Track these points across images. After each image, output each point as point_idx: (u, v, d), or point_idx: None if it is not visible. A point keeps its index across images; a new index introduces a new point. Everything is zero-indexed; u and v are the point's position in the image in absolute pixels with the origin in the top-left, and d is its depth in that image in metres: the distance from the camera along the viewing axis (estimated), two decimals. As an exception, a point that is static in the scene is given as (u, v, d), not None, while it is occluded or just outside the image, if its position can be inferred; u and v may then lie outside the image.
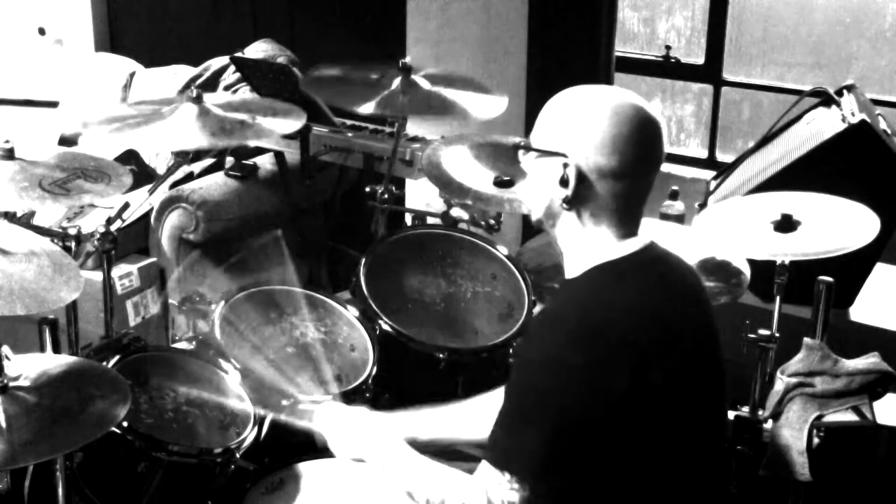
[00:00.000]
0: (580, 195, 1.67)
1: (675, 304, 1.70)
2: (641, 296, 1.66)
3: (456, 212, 2.80)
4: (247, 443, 2.13)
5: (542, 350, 1.63)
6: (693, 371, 1.69)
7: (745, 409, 2.50)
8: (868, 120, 3.04)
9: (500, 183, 2.62)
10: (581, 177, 1.66)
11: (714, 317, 1.79)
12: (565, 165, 1.66)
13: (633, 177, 1.67)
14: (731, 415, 2.49)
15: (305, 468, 2.14)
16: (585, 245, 1.71)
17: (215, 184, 3.62)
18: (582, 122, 1.66)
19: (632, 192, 1.68)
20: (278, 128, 2.49)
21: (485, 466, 1.64)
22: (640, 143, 1.66)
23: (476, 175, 2.70)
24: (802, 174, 3.01)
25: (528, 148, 1.73)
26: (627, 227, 1.70)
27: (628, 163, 1.65)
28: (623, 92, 1.71)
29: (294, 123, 2.50)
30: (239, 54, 3.83)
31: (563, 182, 1.67)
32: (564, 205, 1.68)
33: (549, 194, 1.70)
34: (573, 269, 1.72)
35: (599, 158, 1.65)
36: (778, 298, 2.47)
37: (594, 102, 1.68)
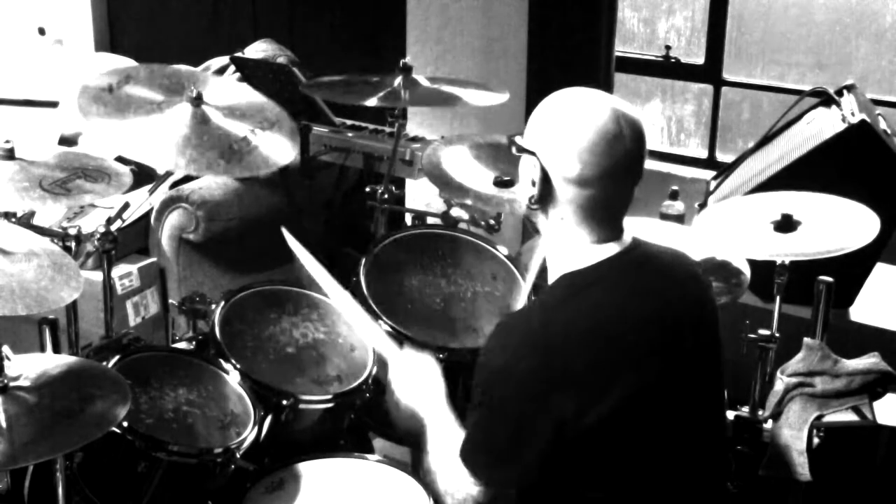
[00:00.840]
0: (546, 197, 1.68)
1: (655, 306, 1.68)
2: (604, 307, 1.66)
3: (456, 212, 2.80)
4: (247, 443, 2.13)
5: (494, 357, 1.67)
6: (682, 370, 1.69)
7: (745, 409, 2.50)
8: (868, 120, 3.04)
9: (500, 183, 2.62)
10: (546, 179, 1.67)
11: (713, 314, 1.79)
12: (534, 166, 1.68)
13: (597, 187, 1.65)
14: (731, 415, 2.49)
15: (305, 468, 2.14)
16: (561, 247, 1.72)
17: (215, 184, 3.62)
18: (553, 126, 1.67)
19: (601, 202, 1.67)
20: (275, 155, 2.36)
21: (456, 459, 1.70)
22: (607, 155, 1.64)
23: (476, 175, 2.70)
24: (802, 174, 3.01)
25: (517, 144, 1.75)
26: (602, 233, 1.69)
27: (589, 173, 1.64)
28: (608, 100, 1.69)
29: (290, 152, 2.41)
30: (239, 54, 3.83)
31: (532, 182, 1.68)
32: (533, 205, 1.69)
33: (527, 192, 1.72)
34: (550, 274, 1.74)
35: (562, 164, 1.65)
36: (778, 298, 2.47)
37: (571, 108, 1.68)
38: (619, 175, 1.66)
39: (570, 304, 1.65)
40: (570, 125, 1.65)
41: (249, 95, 2.54)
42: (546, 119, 1.69)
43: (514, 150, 1.75)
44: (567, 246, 1.70)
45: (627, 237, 1.72)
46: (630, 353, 1.63)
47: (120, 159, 2.47)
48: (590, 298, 1.66)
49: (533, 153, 1.68)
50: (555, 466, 1.61)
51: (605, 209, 1.68)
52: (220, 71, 4.06)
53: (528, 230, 1.83)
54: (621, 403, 1.60)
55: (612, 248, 1.69)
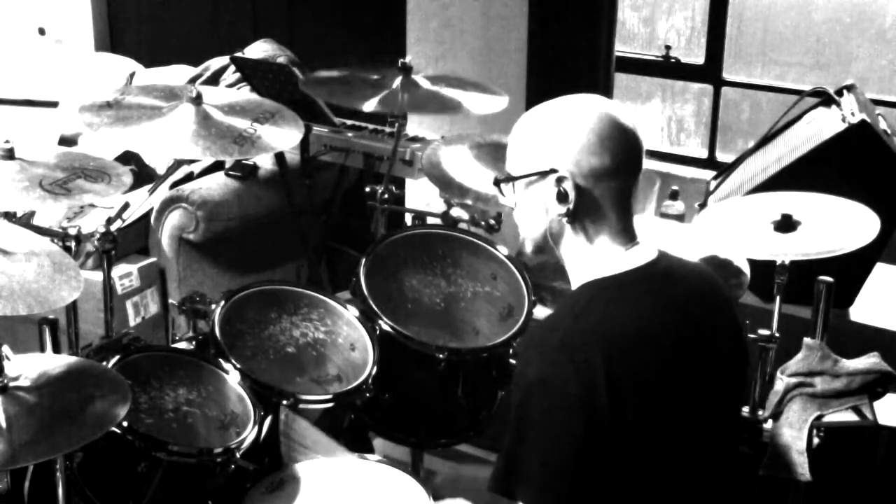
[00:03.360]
0: (581, 205, 1.64)
1: (680, 318, 1.66)
2: (634, 314, 1.63)
3: (456, 212, 2.80)
4: (247, 443, 2.13)
5: (528, 370, 1.60)
6: (703, 383, 1.67)
7: (745, 409, 2.50)
8: (868, 120, 3.04)
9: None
10: (578, 186, 1.63)
11: (738, 329, 1.77)
12: (559, 180, 1.63)
13: (625, 172, 1.65)
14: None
15: (305, 468, 2.14)
16: (591, 258, 1.68)
17: (215, 184, 3.62)
18: (563, 132, 1.64)
19: (625, 191, 1.66)
20: (278, 141, 2.48)
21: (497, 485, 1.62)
22: (624, 136, 1.64)
23: (476, 175, 2.70)
24: (802, 174, 3.01)
25: (511, 178, 1.70)
26: (626, 232, 1.67)
27: (619, 158, 1.63)
28: (584, 96, 1.69)
29: (296, 135, 2.50)
30: (239, 54, 3.83)
31: (562, 197, 1.64)
32: (567, 219, 1.65)
33: (548, 216, 1.67)
34: (575, 280, 1.70)
35: (592, 160, 1.62)
36: (778, 298, 2.47)
37: (565, 111, 1.66)
38: (636, 159, 1.67)
39: (598, 310, 1.62)
40: (580, 122, 1.63)
41: (245, 94, 2.61)
42: (551, 129, 1.66)
43: (508, 186, 1.71)
44: (596, 253, 1.67)
45: (653, 249, 1.70)
46: (656, 362, 1.61)
47: (120, 159, 2.48)
48: (619, 305, 1.63)
49: (549, 171, 1.64)
50: (591, 482, 1.58)
51: (628, 200, 1.67)
52: (221, 71, 4.06)
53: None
54: (651, 412, 1.59)
55: (639, 258, 1.67)
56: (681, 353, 1.64)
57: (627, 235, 1.68)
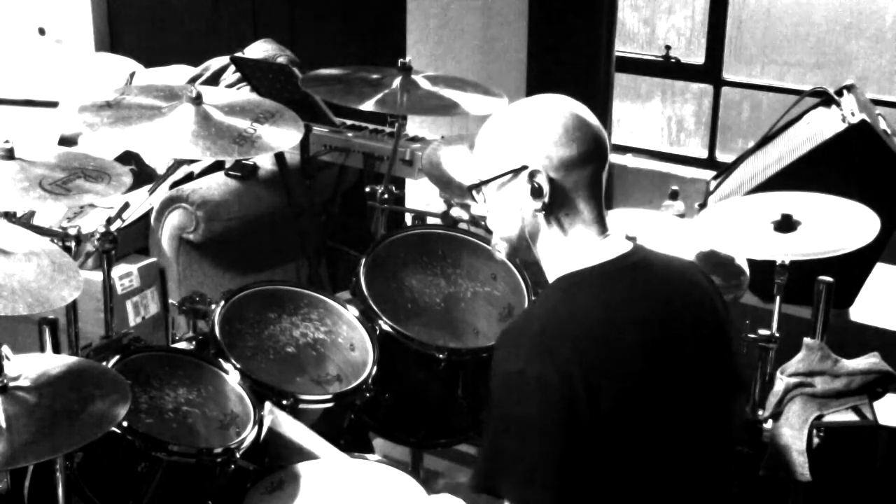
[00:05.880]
0: (555, 198, 1.67)
1: (655, 309, 1.66)
2: (609, 305, 1.64)
3: (456, 212, 2.80)
4: (247, 443, 2.13)
5: (503, 365, 1.61)
6: (683, 374, 1.67)
7: (746, 410, 2.50)
8: (868, 120, 3.04)
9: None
10: (551, 179, 1.66)
11: (720, 320, 1.76)
12: (532, 175, 1.66)
13: (592, 161, 1.67)
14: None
15: (305, 468, 2.14)
16: (566, 251, 1.69)
17: (215, 184, 3.62)
18: (530, 129, 1.67)
19: (595, 180, 1.69)
20: (278, 141, 2.48)
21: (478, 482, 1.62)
22: (586, 127, 1.68)
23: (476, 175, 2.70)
24: (802, 174, 3.01)
25: (484, 182, 1.72)
26: (598, 222, 1.69)
27: (585, 147, 1.66)
28: (541, 95, 1.74)
29: (296, 135, 2.50)
30: (239, 54, 3.84)
31: (536, 192, 1.66)
32: (541, 213, 1.67)
33: (522, 214, 1.69)
34: (550, 274, 1.72)
35: (561, 151, 1.65)
36: (778, 298, 2.47)
37: (528, 110, 1.70)
38: (602, 146, 1.70)
39: (573, 302, 1.64)
40: (544, 117, 1.67)
41: (245, 94, 2.60)
42: (516, 128, 1.69)
43: (483, 189, 1.73)
44: (572, 247, 1.69)
45: (626, 240, 1.71)
46: (631, 353, 1.62)
47: (120, 159, 2.48)
48: (594, 297, 1.64)
49: (520, 168, 1.66)
50: (574, 472, 1.58)
51: (599, 187, 1.70)
52: (221, 71, 4.06)
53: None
54: (627, 404, 1.59)
55: (613, 250, 1.68)
56: (656, 345, 1.65)
57: (600, 226, 1.70)
